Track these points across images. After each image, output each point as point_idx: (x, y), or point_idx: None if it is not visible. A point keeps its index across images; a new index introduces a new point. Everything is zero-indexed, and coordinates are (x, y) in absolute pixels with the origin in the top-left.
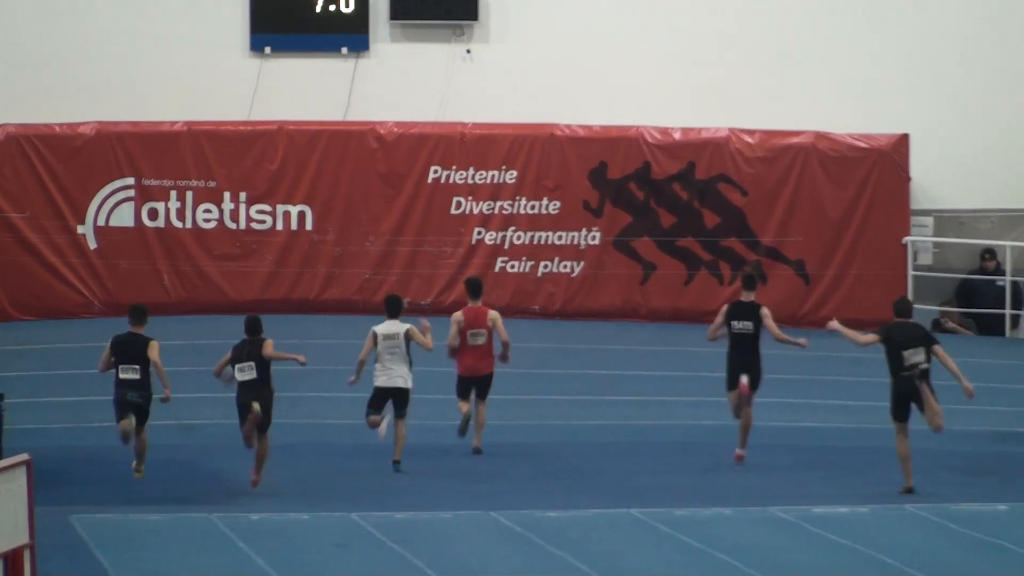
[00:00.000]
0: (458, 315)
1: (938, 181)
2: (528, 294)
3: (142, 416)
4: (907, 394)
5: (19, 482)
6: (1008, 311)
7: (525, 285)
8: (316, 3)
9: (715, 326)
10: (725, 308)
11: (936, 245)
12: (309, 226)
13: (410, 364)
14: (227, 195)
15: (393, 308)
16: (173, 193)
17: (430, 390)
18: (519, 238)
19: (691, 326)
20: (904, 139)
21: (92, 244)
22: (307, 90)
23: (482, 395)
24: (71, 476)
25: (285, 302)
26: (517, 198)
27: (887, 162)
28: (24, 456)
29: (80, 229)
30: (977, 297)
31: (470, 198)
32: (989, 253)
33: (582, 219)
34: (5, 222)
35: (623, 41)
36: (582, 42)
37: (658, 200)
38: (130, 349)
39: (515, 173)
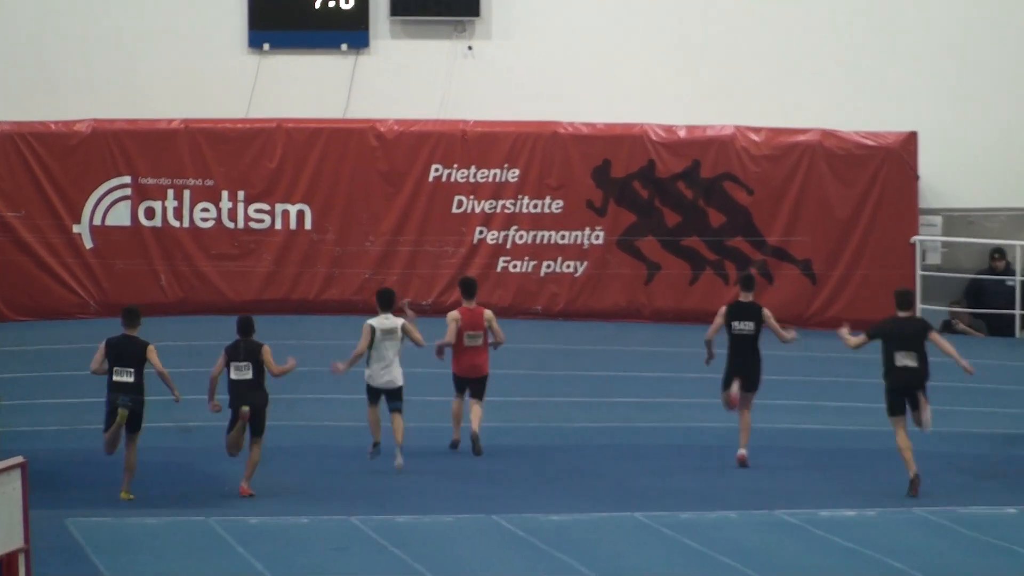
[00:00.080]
0: (455, 314)
1: (947, 179)
2: (530, 294)
3: (135, 423)
4: (901, 389)
5: (14, 485)
6: (1018, 311)
7: (527, 285)
8: None
9: (714, 327)
10: (724, 309)
11: (945, 244)
12: (308, 225)
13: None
14: (225, 194)
15: (386, 301)
16: (170, 192)
17: (431, 391)
18: (521, 237)
19: (696, 327)
20: (912, 137)
21: (88, 244)
22: (306, 87)
23: (478, 395)
24: (67, 479)
25: (284, 303)
26: (519, 197)
27: (895, 160)
28: (19, 459)
29: (76, 228)
30: (987, 297)
31: (472, 197)
32: (999, 252)
33: (585, 218)
34: (0, 221)
35: (627, 36)
36: (585, 38)
37: (663, 199)
38: (125, 352)
39: (517, 171)
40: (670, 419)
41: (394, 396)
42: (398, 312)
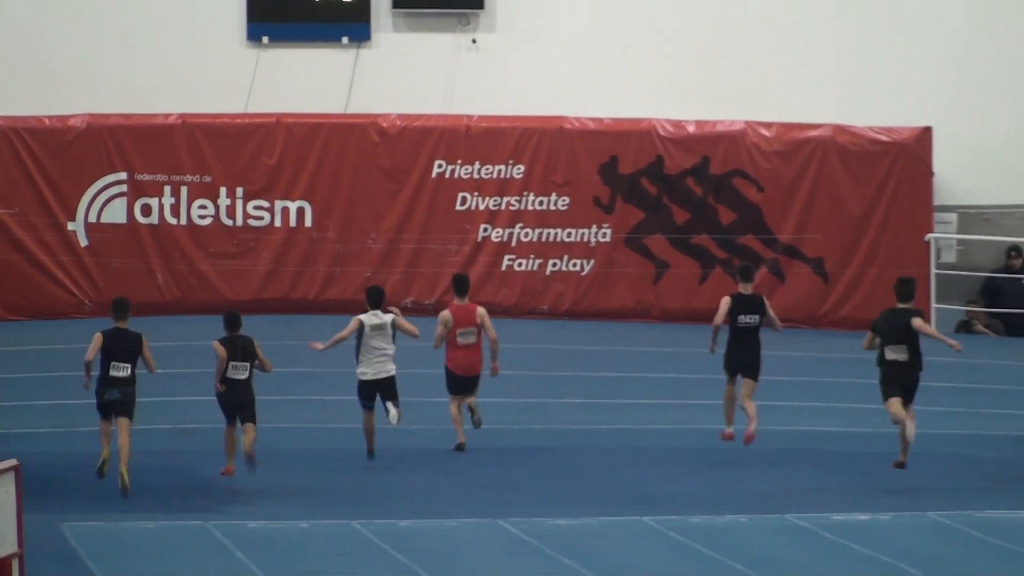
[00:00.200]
0: (446, 314)
1: (962, 176)
2: (536, 293)
3: (126, 409)
4: (893, 378)
5: (7, 489)
6: None
7: (533, 284)
8: None
9: (721, 313)
10: (728, 301)
11: (960, 242)
12: (308, 223)
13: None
14: (223, 190)
15: (375, 299)
16: (167, 188)
17: (432, 393)
18: (527, 235)
19: (705, 327)
20: (927, 132)
21: (83, 241)
22: (306, 81)
23: (471, 392)
24: (61, 482)
25: (283, 302)
26: (525, 194)
27: (909, 156)
28: (12, 462)
29: (70, 226)
30: (1003, 296)
31: (476, 194)
32: (1015, 250)
33: (592, 215)
34: None
35: (634, 30)
36: (592, 31)
37: (671, 196)
38: (123, 346)
39: (522, 168)
40: (679, 421)
41: (388, 389)
42: (387, 310)
